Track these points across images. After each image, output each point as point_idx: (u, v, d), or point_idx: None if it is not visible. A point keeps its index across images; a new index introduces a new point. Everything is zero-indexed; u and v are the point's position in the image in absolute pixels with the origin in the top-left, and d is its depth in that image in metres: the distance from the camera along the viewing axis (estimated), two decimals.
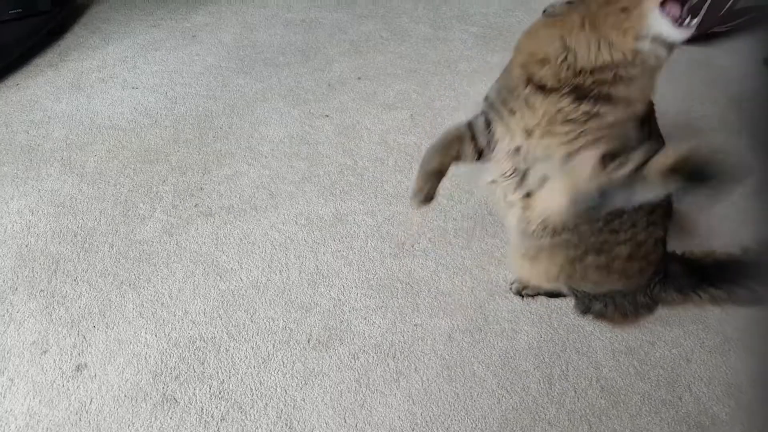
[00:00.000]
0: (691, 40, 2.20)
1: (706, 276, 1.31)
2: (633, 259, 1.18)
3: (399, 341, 1.28)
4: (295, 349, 1.26)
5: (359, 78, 2.12)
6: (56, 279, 1.40)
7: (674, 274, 1.31)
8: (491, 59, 2.18)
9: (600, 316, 1.30)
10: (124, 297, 1.36)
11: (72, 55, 2.26)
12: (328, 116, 1.94)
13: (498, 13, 2.51)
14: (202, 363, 1.24)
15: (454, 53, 2.24)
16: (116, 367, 1.22)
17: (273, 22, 2.47)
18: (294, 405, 1.17)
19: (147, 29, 2.43)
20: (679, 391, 1.21)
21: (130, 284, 1.39)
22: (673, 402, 1.19)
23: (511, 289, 1.38)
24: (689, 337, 1.30)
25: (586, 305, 1.31)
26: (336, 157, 1.76)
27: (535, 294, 1.36)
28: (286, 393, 1.18)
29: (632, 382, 1.22)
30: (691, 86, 2.06)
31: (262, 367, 1.23)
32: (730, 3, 1.96)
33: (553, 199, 1.12)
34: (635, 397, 1.19)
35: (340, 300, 1.36)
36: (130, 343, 1.27)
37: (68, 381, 1.20)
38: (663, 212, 1.17)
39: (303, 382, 1.20)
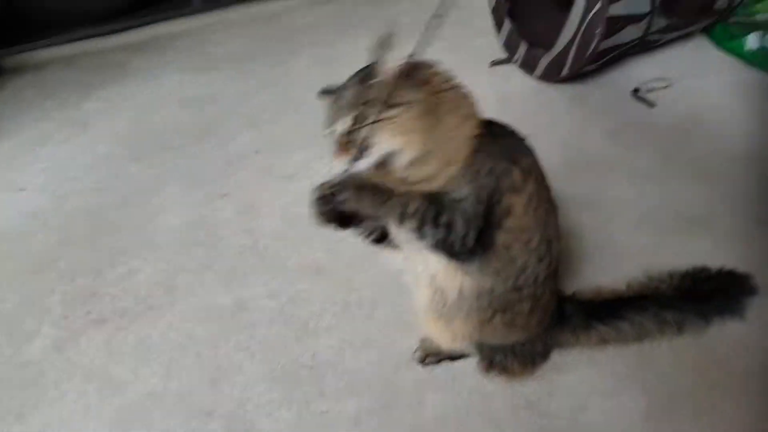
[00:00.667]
0: (567, 80, 2.34)
1: (594, 313, 1.37)
2: (533, 312, 1.22)
3: None
4: None
5: (257, 151, 2.13)
6: None
7: (566, 315, 1.37)
8: None
9: (502, 369, 1.33)
10: (10, 430, 1.28)
11: None
12: (226, 195, 1.92)
13: None
14: None
15: None
16: None
17: (167, 102, 2.45)
18: None
19: (35, 123, 2.36)
20: None
21: (14, 415, 1.31)
22: None
23: (414, 357, 1.39)
24: (583, 383, 1.34)
25: (489, 360, 1.33)
26: (236, 239, 1.75)
27: (439, 360, 1.38)
28: None
29: None
30: (571, 123, 2.18)
31: None
32: (593, 47, 2.10)
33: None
34: None
35: (242, 399, 1.33)
36: None
37: None
38: (556, 264, 1.22)
39: None
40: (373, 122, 0.99)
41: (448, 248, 1.07)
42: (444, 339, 1.31)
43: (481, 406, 1.30)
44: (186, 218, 1.83)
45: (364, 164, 1.01)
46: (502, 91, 2.38)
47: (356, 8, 3.19)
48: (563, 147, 2.04)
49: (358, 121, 1.01)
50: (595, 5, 2.02)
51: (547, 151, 1.91)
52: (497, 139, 1.11)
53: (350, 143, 1.01)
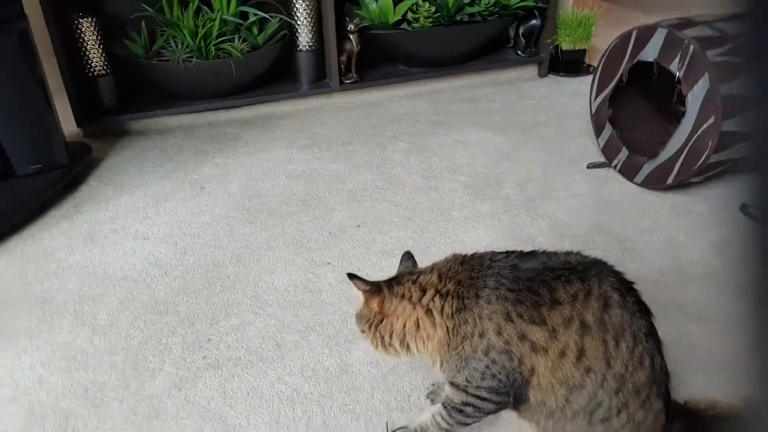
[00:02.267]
0: (669, 188, 2.40)
1: (704, 424, 1.36)
2: None
3: None
4: None
5: (358, 226, 2.27)
6: None
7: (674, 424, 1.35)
8: (481, 207, 2.35)
9: None
10: None
11: (86, 206, 2.40)
12: (330, 264, 2.05)
13: (484, 164, 2.73)
14: None
15: (446, 202, 2.42)
16: None
17: (276, 173, 2.66)
18: None
19: (158, 181, 2.60)
20: None
21: None
22: None
23: None
24: None
25: None
26: (339, 305, 1.85)
27: None
28: None
29: None
30: (673, 234, 2.21)
31: None
32: (703, 159, 2.18)
33: None
34: None
35: None
36: None
37: None
38: (656, 386, 1.17)
39: None
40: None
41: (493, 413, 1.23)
42: None
43: None
44: (293, 280, 1.96)
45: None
46: (601, 195, 2.46)
47: (449, 103, 3.42)
48: (667, 254, 2.07)
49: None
50: (709, 119, 2.12)
51: (650, 256, 1.97)
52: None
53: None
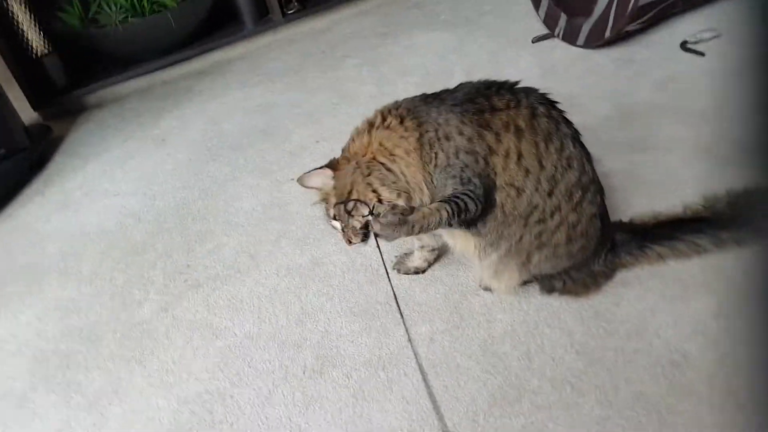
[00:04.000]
0: (611, 43, 2.41)
1: (649, 237, 1.44)
2: (572, 240, 1.29)
3: (386, 354, 1.38)
4: (293, 382, 1.36)
5: (317, 142, 2.31)
6: (70, 371, 1.51)
7: (622, 242, 1.43)
8: None
9: (564, 292, 1.41)
10: (132, 373, 1.47)
11: (55, 180, 2.46)
12: (293, 179, 2.10)
13: (434, 62, 2.73)
14: (211, 413, 1.33)
15: None
16: None
17: (234, 113, 2.69)
18: (300, 429, 1.25)
19: (120, 144, 2.64)
20: (649, 338, 1.30)
21: (136, 361, 1.50)
22: (645, 349, 1.28)
23: (479, 286, 1.49)
24: (649, 292, 1.40)
25: (549, 285, 1.41)
26: (306, 212, 1.91)
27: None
28: (291, 421, 1.27)
29: (604, 341, 1.31)
30: (617, 83, 2.24)
31: (265, 404, 1.32)
32: (632, 3, 2.17)
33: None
34: (609, 353, 1.28)
35: (327, 331, 1.47)
36: (144, 411, 1.37)
37: None
38: (588, 192, 1.26)
39: (305, 408, 1.29)
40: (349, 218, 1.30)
41: (467, 225, 1.26)
42: (500, 285, 1.40)
43: (548, 319, 1.38)
44: (260, 201, 2.02)
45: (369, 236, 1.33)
46: (547, 64, 2.48)
47: (396, 14, 3.39)
48: (612, 101, 2.11)
49: (342, 219, 1.32)
50: None
51: (596, 106, 2.02)
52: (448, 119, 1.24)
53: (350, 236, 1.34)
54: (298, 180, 1.36)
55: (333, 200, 1.35)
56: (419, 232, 1.20)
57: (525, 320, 1.39)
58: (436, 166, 1.24)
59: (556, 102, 1.28)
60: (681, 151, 1.82)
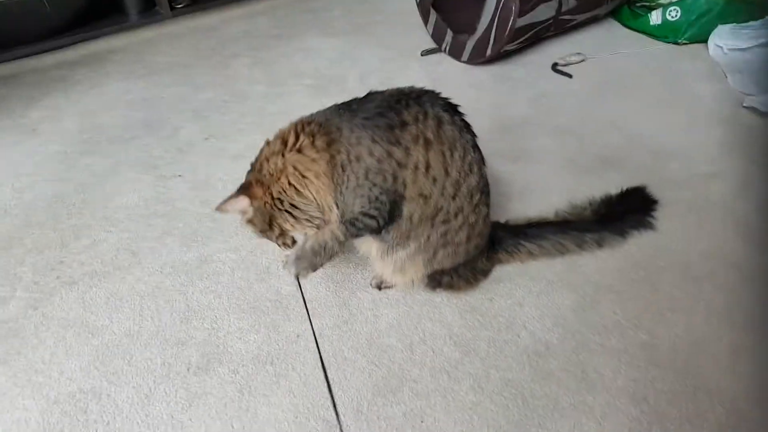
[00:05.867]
0: (491, 60, 2.60)
1: (522, 235, 1.58)
2: (471, 239, 1.40)
3: (275, 350, 1.39)
4: (176, 379, 1.33)
5: (206, 138, 2.26)
6: None
7: (499, 239, 1.56)
8: (326, 102, 2.37)
9: (448, 286, 1.50)
10: None
11: None
12: (180, 176, 2.04)
13: (326, 66, 2.78)
14: (85, 412, 1.26)
15: (292, 103, 2.46)
16: None
17: (113, 105, 2.55)
18: (182, 426, 1.23)
19: None
20: (517, 330, 1.42)
21: (0, 361, 1.39)
22: (514, 340, 1.40)
23: (371, 284, 1.55)
24: (519, 288, 1.53)
25: (437, 281, 1.50)
26: (193, 209, 1.87)
27: (392, 286, 1.54)
28: (173, 417, 1.24)
29: (478, 332, 1.41)
30: (495, 98, 2.42)
31: (145, 401, 1.28)
32: (510, 24, 2.37)
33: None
34: (482, 344, 1.39)
35: (214, 328, 1.45)
36: (8, 411, 1.27)
37: None
38: (484, 194, 1.38)
39: (188, 405, 1.27)
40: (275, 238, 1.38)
41: (375, 234, 1.34)
42: (401, 280, 1.48)
43: (431, 313, 1.47)
44: (143, 196, 1.94)
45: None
46: (434, 76, 2.62)
47: (289, 16, 3.40)
48: (490, 114, 2.28)
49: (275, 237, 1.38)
50: None
51: (476, 118, 2.17)
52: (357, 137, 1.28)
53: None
54: (217, 208, 1.34)
55: (255, 228, 1.38)
56: (328, 258, 1.29)
57: (409, 315, 1.47)
58: (347, 187, 1.28)
59: (458, 106, 1.36)
60: (550, 162, 2.00)
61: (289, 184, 1.30)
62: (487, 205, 1.42)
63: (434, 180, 1.28)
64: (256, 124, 2.33)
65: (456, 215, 1.34)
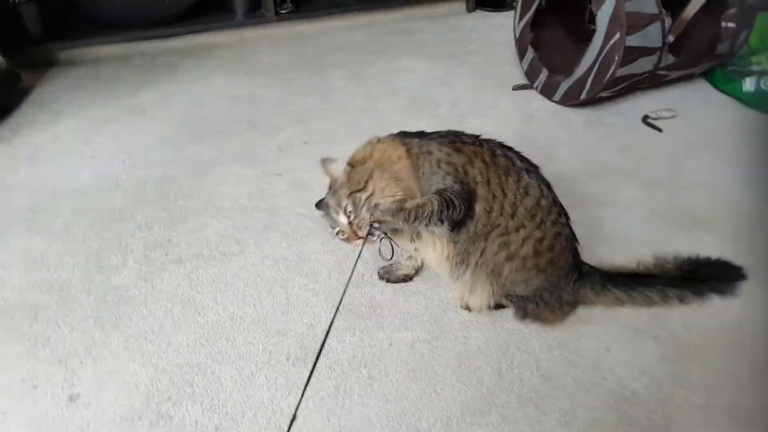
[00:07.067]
0: (583, 104, 2.64)
1: (610, 280, 1.61)
2: (539, 253, 1.45)
3: (369, 353, 1.45)
4: (276, 367, 1.40)
5: (305, 142, 2.37)
6: (37, 324, 1.48)
7: (588, 274, 1.60)
8: (419, 123, 2.47)
9: (534, 316, 1.54)
10: (108, 335, 1.46)
11: (23, 131, 2.37)
12: (280, 175, 2.15)
13: (420, 88, 2.87)
14: (191, 385, 1.35)
15: (386, 120, 2.55)
16: (109, 394, 1.31)
17: (218, 98, 2.69)
18: (281, 413, 1.30)
19: (96, 107, 2.58)
20: (603, 373, 1.44)
21: (112, 324, 1.49)
22: (600, 382, 1.42)
23: (461, 305, 1.60)
24: (607, 333, 1.55)
25: (523, 309, 1.54)
26: (293, 208, 1.96)
27: (471, 309, 1.59)
28: (273, 403, 1.31)
29: (565, 369, 1.44)
30: (586, 142, 2.45)
31: (247, 383, 1.36)
32: (611, 72, 2.41)
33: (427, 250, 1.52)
34: (569, 380, 1.41)
35: (312, 324, 1.52)
36: (120, 373, 1.36)
37: (62, 410, 1.27)
38: (551, 213, 1.45)
39: (287, 393, 1.34)
40: (360, 208, 1.40)
41: (452, 223, 1.40)
42: (477, 302, 1.53)
43: (519, 343, 1.51)
44: (246, 189, 2.05)
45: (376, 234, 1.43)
46: (524, 112, 2.67)
47: (384, 35, 3.52)
48: (581, 157, 2.31)
49: (350, 215, 1.41)
50: (615, 35, 2.34)
51: (567, 159, 2.22)
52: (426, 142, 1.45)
53: (356, 228, 1.42)
54: (321, 161, 1.50)
55: (345, 191, 1.42)
56: (414, 221, 1.35)
57: (498, 341, 1.51)
58: (423, 173, 1.41)
59: (510, 147, 1.49)
60: (638, 212, 2.02)
61: (380, 164, 1.42)
62: (561, 224, 1.48)
63: (494, 196, 1.41)
64: (352, 136, 2.41)
65: (517, 230, 1.43)
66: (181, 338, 1.46)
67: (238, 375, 1.38)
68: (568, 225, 1.51)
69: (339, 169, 1.46)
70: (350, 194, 1.42)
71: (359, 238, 1.43)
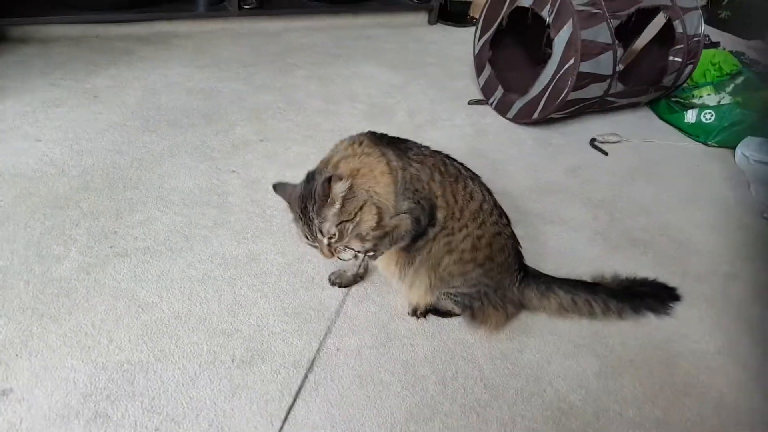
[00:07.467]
0: (535, 123, 2.72)
1: (557, 285, 1.66)
2: (477, 248, 1.51)
3: (315, 358, 1.45)
4: (221, 368, 1.38)
5: (261, 140, 2.34)
6: None
7: (533, 276, 1.65)
8: (376, 130, 2.51)
9: (481, 315, 1.58)
10: (45, 329, 1.40)
11: None
12: (234, 171, 2.12)
13: (379, 95, 2.89)
14: (132, 383, 1.31)
15: (345, 124, 2.55)
16: (44, 390, 1.26)
17: (175, 89, 2.63)
18: (224, 414, 1.28)
19: (46, 87, 2.48)
20: (543, 385, 1.49)
21: (50, 317, 1.43)
22: (540, 393, 1.47)
23: (408, 312, 1.62)
24: (548, 345, 1.61)
25: (470, 308, 1.58)
26: (245, 206, 1.94)
27: (425, 313, 1.62)
28: (216, 405, 1.30)
29: (507, 380, 1.49)
30: (535, 160, 2.53)
31: (190, 384, 1.33)
32: (563, 95, 2.50)
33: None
34: (511, 391, 1.46)
35: (259, 326, 1.51)
36: (57, 368, 1.31)
37: None
38: (491, 215, 1.53)
39: (231, 395, 1.32)
40: (350, 230, 1.38)
41: (414, 237, 1.48)
42: (416, 296, 1.57)
43: (464, 352, 1.54)
44: (198, 184, 2.01)
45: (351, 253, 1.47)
46: (478, 126, 2.74)
47: (347, 39, 3.52)
48: (530, 175, 2.39)
49: (339, 236, 1.38)
50: (570, 60, 2.43)
51: (516, 175, 2.28)
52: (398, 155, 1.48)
53: (333, 249, 1.39)
54: (331, 180, 1.36)
55: (335, 219, 1.36)
56: (396, 242, 1.44)
57: (443, 350, 1.54)
58: (399, 189, 1.44)
59: (455, 159, 1.57)
60: (581, 232, 2.10)
61: (365, 182, 1.41)
62: (499, 224, 1.56)
63: (447, 203, 1.49)
64: (309, 137, 2.42)
65: (460, 230, 1.50)
66: (123, 334, 1.42)
67: (181, 375, 1.35)
68: (508, 226, 1.60)
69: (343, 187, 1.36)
70: (339, 224, 1.36)
71: (333, 256, 1.41)
